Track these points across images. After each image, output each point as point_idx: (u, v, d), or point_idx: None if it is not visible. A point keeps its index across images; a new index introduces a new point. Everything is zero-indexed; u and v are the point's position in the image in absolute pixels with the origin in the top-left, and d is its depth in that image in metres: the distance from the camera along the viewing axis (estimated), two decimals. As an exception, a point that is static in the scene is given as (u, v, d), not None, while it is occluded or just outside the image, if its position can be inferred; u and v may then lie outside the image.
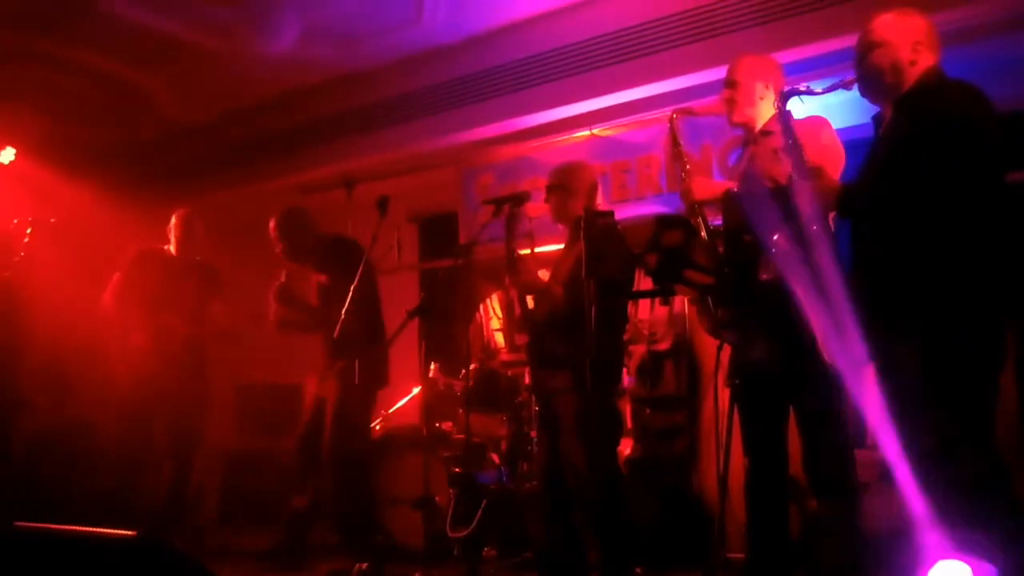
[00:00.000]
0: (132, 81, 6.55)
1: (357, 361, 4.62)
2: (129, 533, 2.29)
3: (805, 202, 2.74)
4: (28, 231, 5.00)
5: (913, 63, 2.72)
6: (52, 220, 5.17)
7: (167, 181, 7.27)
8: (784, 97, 2.92)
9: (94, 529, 2.33)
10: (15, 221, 5.05)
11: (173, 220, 5.36)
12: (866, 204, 2.71)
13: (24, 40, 5.86)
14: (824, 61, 4.48)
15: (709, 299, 3.30)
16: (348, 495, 4.77)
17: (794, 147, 2.85)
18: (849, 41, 4.39)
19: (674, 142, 3.59)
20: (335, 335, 4.46)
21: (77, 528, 2.37)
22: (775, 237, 2.77)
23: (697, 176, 3.54)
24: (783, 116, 2.91)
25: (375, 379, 4.87)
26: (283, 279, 4.94)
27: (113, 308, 5.14)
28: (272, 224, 4.98)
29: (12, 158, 5.88)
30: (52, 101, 6.71)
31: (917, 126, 2.59)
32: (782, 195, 2.88)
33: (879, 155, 2.76)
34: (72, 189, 6.17)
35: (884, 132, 2.78)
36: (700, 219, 3.38)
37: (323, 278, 4.89)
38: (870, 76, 2.80)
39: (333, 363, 4.85)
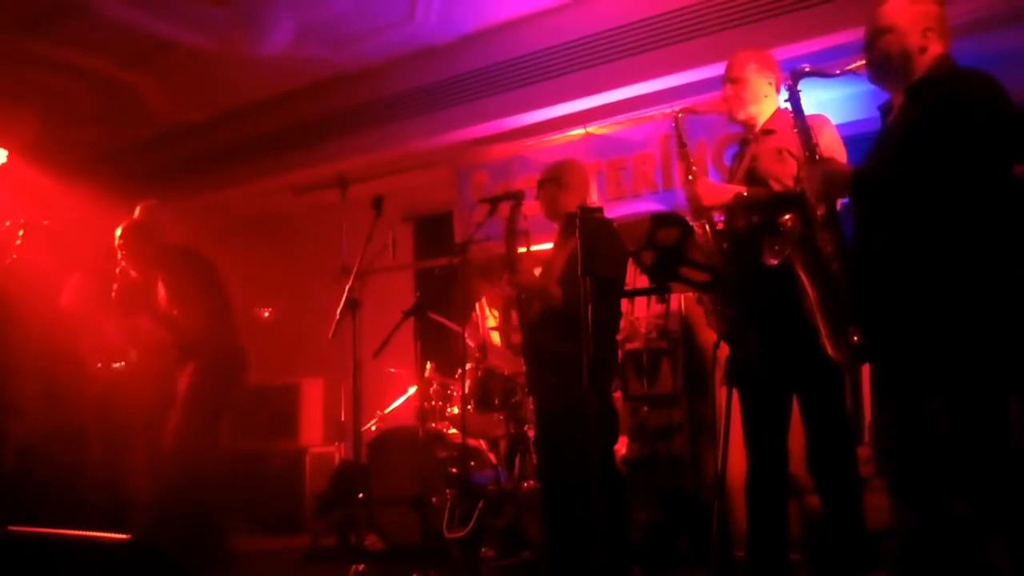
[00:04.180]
0: (125, 82, 6.53)
1: (200, 363, 4.72)
2: (122, 536, 2.27)
3: (814, 186, 2.70)
4: (20, 233, 4.97)
5: (923, 50, 2.66)
6: (45, 222, 5.12)
7: (161, 182, 7.24)
8: (796, 76, 2.85)
9: (88, 533, 2.32)
10: (7, 223, 5.02)
11: (136, 213, 5.19)
12: (881, 190, 2.61)
13: (17, 42, 5.84)
14: (819, 58, 4.47)
15: (715, 298, 3.28)
16: (181, 502, 4.64)
17: (803, 129, 2.80)
18: (843, 38, 4.47)
19: (680, 142, 3.53)
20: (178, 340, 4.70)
21: (71, 532, 2.36)
22: (786, 217, 2.72)
23: (702, 178, 3.47)
24: (795, 97, 2.85)
25: (223, 381, 4.85)
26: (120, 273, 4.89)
27: (72, 311, 5.08)
28: (120, 236, 4.90)
29: (4, 160, 5.85)
30: (45, 103, 6.69)
31: (933, 113, 2.53)
32: (789, 198, 2.82)
33: (891, 143, 2.69)
34: (65, 191, 6.14)
35: (895, 120, 2.73)
36: (706, 222, 3.34)
37: (166, 287, 4.88)
38: (879, 62, 2.73)
39: (180, 366, 4.86)
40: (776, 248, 2.72)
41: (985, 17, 4.23)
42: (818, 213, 2.69)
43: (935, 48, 2.67)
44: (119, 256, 4.87)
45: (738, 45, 4.02)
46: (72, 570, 2.27)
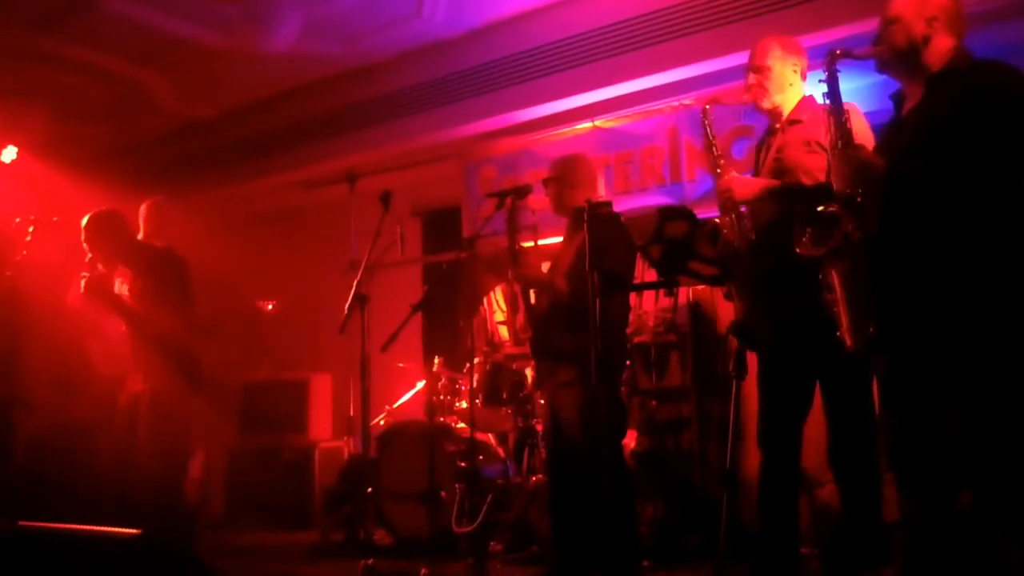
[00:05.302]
0: (135, 79, 6.54)
1: (156, 370, 4.55)
2: (132, 532, 2.28)
3: (845, 175, 2.66)
4: (30, 230, 4.98)
5: (927, 39, 2.64)
6: (55, 219, 5.13)
7: (170, 178, 7.27)
8: (832, 59, 2.77)
9: (97, 528, 2.33)
10: (17, 220, 5.03)
11: (143, 210, 5.05)
12: (914, 186, 2.56)
13: (27, 39, 5.86)
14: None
15: (734, 288, 3.25)
16: (158, 509, 4.43)
17: (838, 113, 2.74)
18: (852, 30, 4.45)
19: (707, 135, 3.40)
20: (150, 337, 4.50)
21: (80, 527, 2.37)
22: (832, 208, 2.68)
23: (729, 172, 3.32)
24: (832, 80, 2.77)
25: (182, 389, 4.65)
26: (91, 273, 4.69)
27: (77, 309, 5.04)
28: (84, 227, 4.72)
29: (14, 156, 5.88)
30: (55, 100, 6.71)
31: (955, 107, 2.51)
32: (822, 191, 2.77)
33: (911, 136, 2.65)
34: (74, 187, 6.15)
35: (915, 113, 2.70)
36: (735, 216, 3.24)
37: (132, 282, 4.69)
38: (887, 52, 2.71)
39: (142, 365, 4.68)
40: (816, 238, 2.66)
41: (999, 7, 4.21)
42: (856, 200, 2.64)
43: (942, 38, 2.65)
44: (85, 247, 4.72)
45: (747, 37, 4.01)
46: (83, 565, 2.29)
